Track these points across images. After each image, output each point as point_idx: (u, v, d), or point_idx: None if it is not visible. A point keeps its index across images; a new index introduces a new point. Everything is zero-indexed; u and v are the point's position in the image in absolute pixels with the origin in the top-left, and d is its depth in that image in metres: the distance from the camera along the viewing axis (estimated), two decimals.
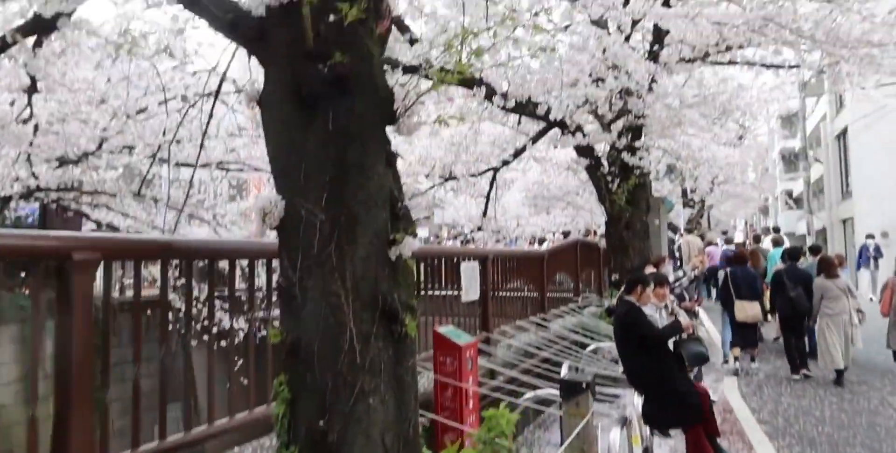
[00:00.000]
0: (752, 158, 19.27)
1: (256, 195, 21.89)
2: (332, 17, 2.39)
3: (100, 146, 11.42)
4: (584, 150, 8.36)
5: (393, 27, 2.93)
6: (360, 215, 2.43)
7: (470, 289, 4.74)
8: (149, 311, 3.40)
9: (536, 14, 3.47)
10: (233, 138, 13.79)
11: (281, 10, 2.50)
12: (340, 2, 2.36)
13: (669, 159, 12.15)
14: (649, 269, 7.16)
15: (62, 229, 13.97)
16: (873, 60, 6.27)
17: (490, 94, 7.46)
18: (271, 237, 2.63)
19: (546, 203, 17.34)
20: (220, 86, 4.22)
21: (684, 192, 18.78)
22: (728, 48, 8.61)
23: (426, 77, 2.62)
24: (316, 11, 2.40)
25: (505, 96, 7.51)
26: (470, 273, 4.75)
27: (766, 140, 26.43)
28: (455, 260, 4.83)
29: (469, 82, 7.12)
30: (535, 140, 9.99)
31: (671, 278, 7.92)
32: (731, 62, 9.77)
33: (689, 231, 18.87)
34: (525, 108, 7.84)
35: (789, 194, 35.46)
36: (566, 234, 15.74)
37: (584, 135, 7.93)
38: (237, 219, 26.63)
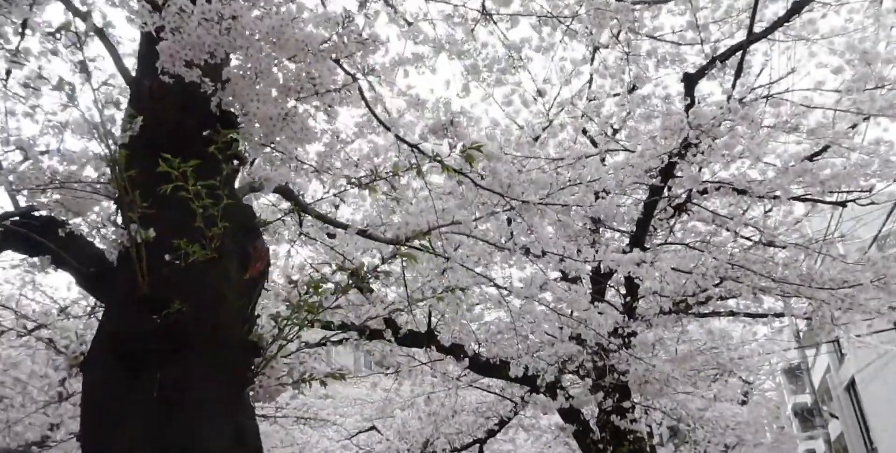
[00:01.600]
0: (763, 417, 18.04)
1: None
2: (168, 257, 1.93)
3: None
4: (570, 414, 7.53)
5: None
6: None
7: None
8: None
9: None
10: None
11: (124, 253, 2.07)
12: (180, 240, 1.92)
13: (671, 421, 11.14)
14: None
15: None
16: (854, 301, 5.88)
17: (459, 355, 6.95)
18: None
19: None
20: None
21: None
22: (708, 299, 8.34)
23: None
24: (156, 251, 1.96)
25: (474, 358, 6.97)
26: None
27: (776, 395, 25.24)
28: None
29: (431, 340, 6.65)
30: (520, 407, 9.20)
31: None
32: (714, 313, 9.46)
33: None
34: (500, 371, 7.23)
35: None
36: None
37: (568, 398, 7.19)
38: None
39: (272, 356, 1.91)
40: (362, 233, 2.81)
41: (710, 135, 4.41)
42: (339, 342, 8.12)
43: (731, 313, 9.65)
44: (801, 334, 20.65)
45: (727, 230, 7.75)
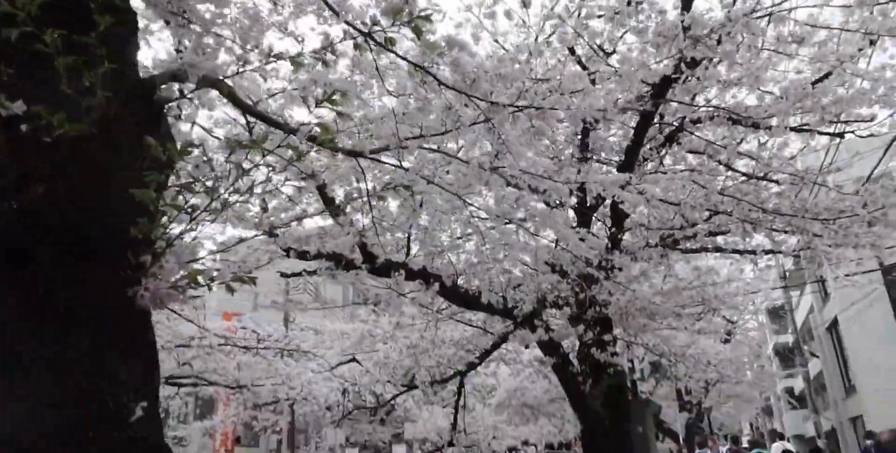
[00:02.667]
0: (745, 355, 18.24)
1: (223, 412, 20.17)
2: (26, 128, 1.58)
3: None
4: (549, 347, 7.40)
5: None
6: None
7: None
8: None
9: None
10: (183, 350, 12.78)
11: None
12: None
13: (653, 356, 11.12)
14: None
15: None
16: (848, 232, 5.64)
17: (431, 282, 6.72)
18: None
19: (529, 412, 15.83)
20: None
21: (679, 394, 17.40)
22: (696, 234, 8.12)
23: None
24: None
25: (452, 289, 6.76)
26: None
27: (758, 335, 25.55)
28: None
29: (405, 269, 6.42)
30: (501, 340, 9.08)
31: None
32: (701, 249, 9.26)
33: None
34: (478, 302, 7.04)
35: (790, 392, 33.65)
36: (550, 447, 14.11)
37: (548, 331, 7.04)
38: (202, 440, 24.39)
39: (161, 252, 1.61)
40: (312, 139, 2.49)
41: (707, 52, 4.05)
42: (313, 272, 7.92)
43: (719, 249, 9.45)
44: (787, 274, 20.69)
45: (719, 163, 7.46)
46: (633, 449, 7.39)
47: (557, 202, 5.68)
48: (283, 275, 8.01)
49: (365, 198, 4.04)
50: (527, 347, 9.38)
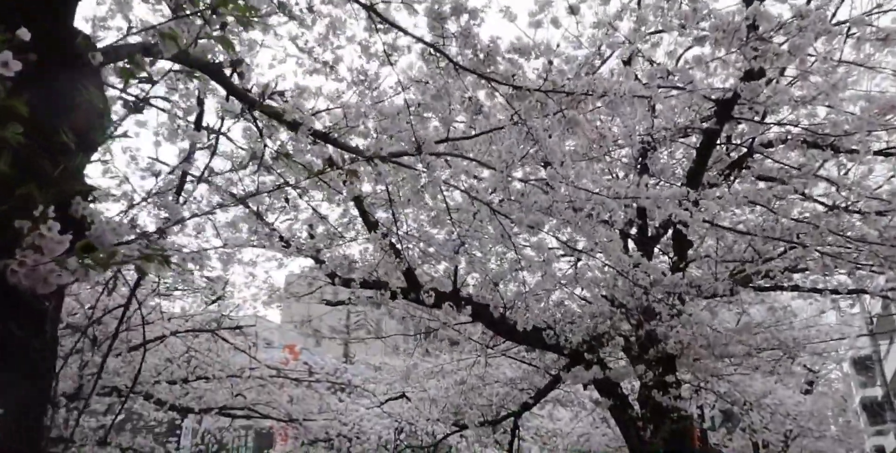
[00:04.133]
0: (829, 408, 16.91)
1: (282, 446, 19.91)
2: None
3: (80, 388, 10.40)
4: (605, 387, 6.85)
5: None
6: None
7: None
8: None
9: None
10: (236, 380, 12.66)
11: None
12: None
13: (724, 404, 10.30)
14: None
15: None
16: None
17: (482, 318, 6.35)
18: None
19: None
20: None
21: (755, 447, 16.20)
22: (769, 272, 7.49)
23: None
24: None
25: (501, 321, 6.35)
26: None
27: (843, 387, 23.84)
28: None
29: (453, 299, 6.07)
30: (556, 379, 8.55)
31: None
32: (776, 287, 8.54)
33: None
34: (529, 337, 6.61)
35: (881, 451, 31.13)
36: None
37: (604, 369, 6.53)
38: None
39: (42, 217, 1.31)
40: (322, 136, 2.21)
41: (774, 54, 3.63)
42: (360, 300, 7.65)
43: (796, 288, 8.71)
44: (874, 320, 19.27)
45: (794, 191, 6.87)
46: None
47: (612, 225, 5.25)
48: (329, 303, 7.79)
49: (393, 211, 3.73)
50: (585, 388, 8.80)
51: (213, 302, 11.26)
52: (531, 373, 8.67)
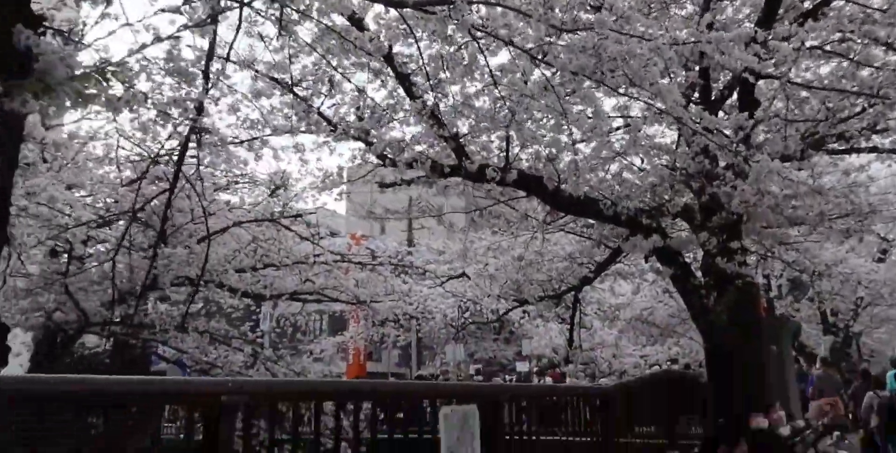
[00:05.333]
0: None
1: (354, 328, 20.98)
2: None
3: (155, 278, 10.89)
4: (667, 256, 6.68)
5: None
6: None
7: (459, 448, 3.15)
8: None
9: None
10: (304, 267, 13.05)
11: None
12: None
13: (792, 273, 10.05)
14: (757, 419, 5.19)
15: (132, 366, 13.43)
16: None
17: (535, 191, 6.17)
18: None
19: (655, 332, 15.12)
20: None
21: (823, 316, 16.02)
22: (844, 133, 6.98)
23: None
24: None
25: (555, 193, 6.17)
26: (457, 423, 3.18)
27: None
28: (422, 403, 3.30)
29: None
30: (616, 252, 8.44)
31: (786, 430, 5.75)
32: (852, 149, 8.02)
33: (830, 364, 15.86)
34: (586, 208, 6.43)
35: None
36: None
37: (665, 237, 6.34)
38: (334, 354, 25.88)
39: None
40: None
41: None
42: (411, 181, 7.58)
43: (875, 149, 8.15)
44: None
45: (876, 42, 6.21)
46: (765, 372, 6.62)
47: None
48: (382, 185, 7.73)
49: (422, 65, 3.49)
50: (646, 260, 8.68)
51: (273, 192, 11.42)
52: (590, 247, 8.57)
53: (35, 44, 1.24)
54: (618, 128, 7.27)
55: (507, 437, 3.74)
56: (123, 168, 9.72)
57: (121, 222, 10.18)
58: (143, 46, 3.14)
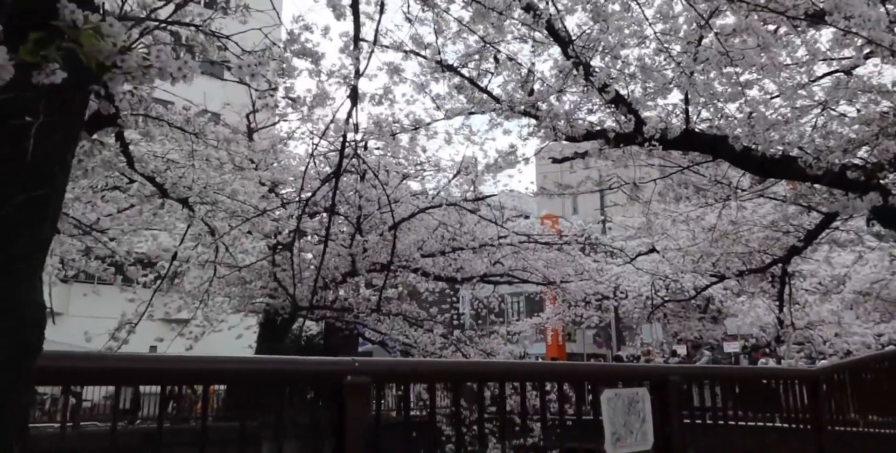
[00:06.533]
0: None
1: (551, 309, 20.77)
2: None
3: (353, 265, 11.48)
4: (889, 216, 5.75)
5: None
6: None
7: (627, 433, 2.86)
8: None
9: None
10: (491, 249, 13.12)
11: None
12: None
13: None
14: None
15: (342, 347, 14.40)
16: None
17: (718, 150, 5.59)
18: None
19: (888, 308, 13.34)
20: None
21: None
22: None
23: None
24: None
25: (744, 154, 5.53)
26: (622, 407, 2.89)
27: None
28: (584, 385, 3.00)
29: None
30: (829, 217, 7.48)
31: None
32: None
33: None
34: (783, 168, 5.71)
35: None
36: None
37: (886, 195, 5.47)
38: (531, 335, 25.86)
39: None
40: None
41: None
42: (584, 154, 7.23)
43: None
44: None
45: None
46: None
47: None
48: (555, 160, 7.45)
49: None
50: (869, 223, 7.61)
51: (454, 177, 11.54)
52: (796, 213, 7.66)
53: None
54: (814, 79, 6.41)
55: (688, 421, 3.37)
56: (318, 162, 10.30)
57: (323, 214, 10.89)
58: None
